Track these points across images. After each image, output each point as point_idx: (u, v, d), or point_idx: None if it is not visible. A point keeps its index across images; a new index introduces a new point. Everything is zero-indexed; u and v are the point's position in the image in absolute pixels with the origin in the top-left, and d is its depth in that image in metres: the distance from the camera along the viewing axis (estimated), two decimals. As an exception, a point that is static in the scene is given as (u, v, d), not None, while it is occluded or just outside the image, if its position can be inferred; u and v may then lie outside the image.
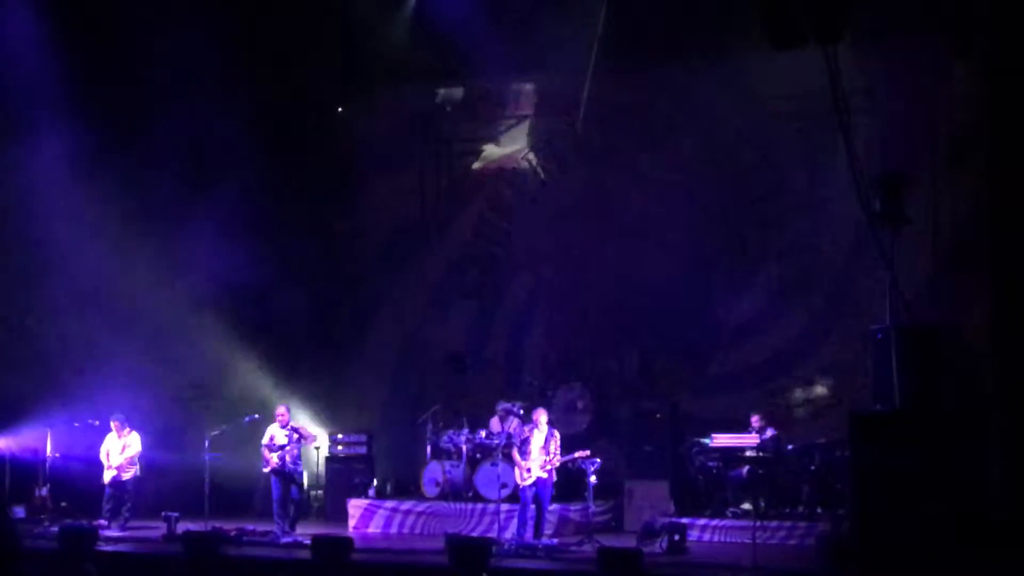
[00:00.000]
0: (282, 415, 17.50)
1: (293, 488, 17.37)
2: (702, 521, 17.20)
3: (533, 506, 16.46)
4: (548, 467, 16.39)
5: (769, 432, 17.91)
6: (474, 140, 22.13)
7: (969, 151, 17.76)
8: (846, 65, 14.17)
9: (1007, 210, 16.45)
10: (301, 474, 17.78)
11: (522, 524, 16.40)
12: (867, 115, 18.44)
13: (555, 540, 16.41)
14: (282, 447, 17.27)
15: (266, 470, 17.42)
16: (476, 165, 21.85)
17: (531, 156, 21.55)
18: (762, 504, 16.93)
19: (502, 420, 18.19)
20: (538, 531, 16.43)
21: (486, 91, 21.75)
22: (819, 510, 17.04)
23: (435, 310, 22.01)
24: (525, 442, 16.67)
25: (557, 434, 16.72)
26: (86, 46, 19.22)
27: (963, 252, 18.05)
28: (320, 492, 20.32)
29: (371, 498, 18.95)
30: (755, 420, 18.11)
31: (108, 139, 19.51)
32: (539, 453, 16.44)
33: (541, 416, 16.71)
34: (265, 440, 17.44)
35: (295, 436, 17.37)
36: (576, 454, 16.56)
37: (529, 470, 16.39)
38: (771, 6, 12.78)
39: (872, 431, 14.29)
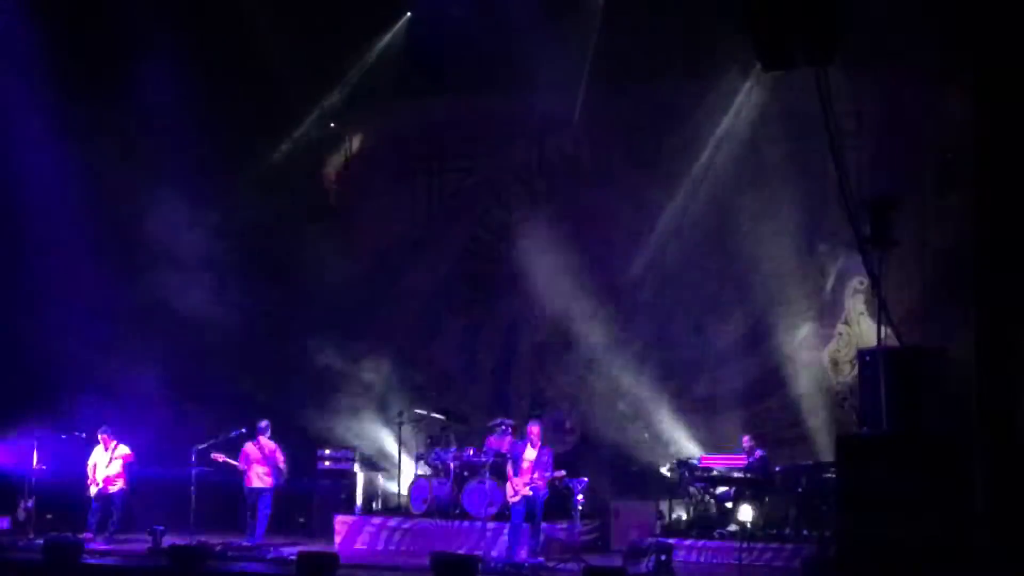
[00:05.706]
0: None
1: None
2: (688, 542, 17.16)
3: (526, 525, 16.47)
4: (535, 484, 16.40)
5: (758, 453, 17.94)
6: (466, 157, 22.20)
7: (957, 175, 17.83)
8: (836, 88, 14.22)
9: (994, 234, 16.50)
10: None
11: (513, 544, 16.39)
12: (857, 138, 18.52)
13: (541, 559, 16.39)
14: None
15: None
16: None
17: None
18: (748, 525, 16.94)
19: (500, 436, 18.22)
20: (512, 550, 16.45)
21: (478, 109, 21.81)
22: (805, 532, 17.05)
23: (425, 327, 22.01)
24: (518, 457, 16.67)
25: (549, 449, 16.74)
26: (75, 57, 19.26)
27: (951, 276, 18.10)
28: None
29: (357, 514, 18.93)
30: (746, 440, 18.15)
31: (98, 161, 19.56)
32: (532, 468, 16.45)
33: (534, 429, 16.73)
34: None
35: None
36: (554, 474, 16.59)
37: (516, 491, 16.41)
38: (762, 28, 12.79)
39: (859, 454, 14.29)
